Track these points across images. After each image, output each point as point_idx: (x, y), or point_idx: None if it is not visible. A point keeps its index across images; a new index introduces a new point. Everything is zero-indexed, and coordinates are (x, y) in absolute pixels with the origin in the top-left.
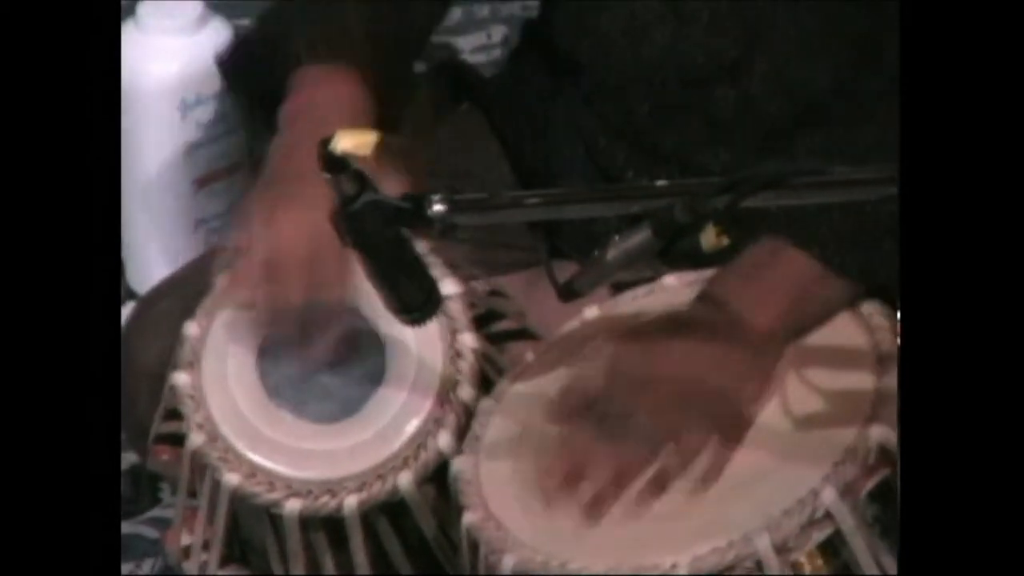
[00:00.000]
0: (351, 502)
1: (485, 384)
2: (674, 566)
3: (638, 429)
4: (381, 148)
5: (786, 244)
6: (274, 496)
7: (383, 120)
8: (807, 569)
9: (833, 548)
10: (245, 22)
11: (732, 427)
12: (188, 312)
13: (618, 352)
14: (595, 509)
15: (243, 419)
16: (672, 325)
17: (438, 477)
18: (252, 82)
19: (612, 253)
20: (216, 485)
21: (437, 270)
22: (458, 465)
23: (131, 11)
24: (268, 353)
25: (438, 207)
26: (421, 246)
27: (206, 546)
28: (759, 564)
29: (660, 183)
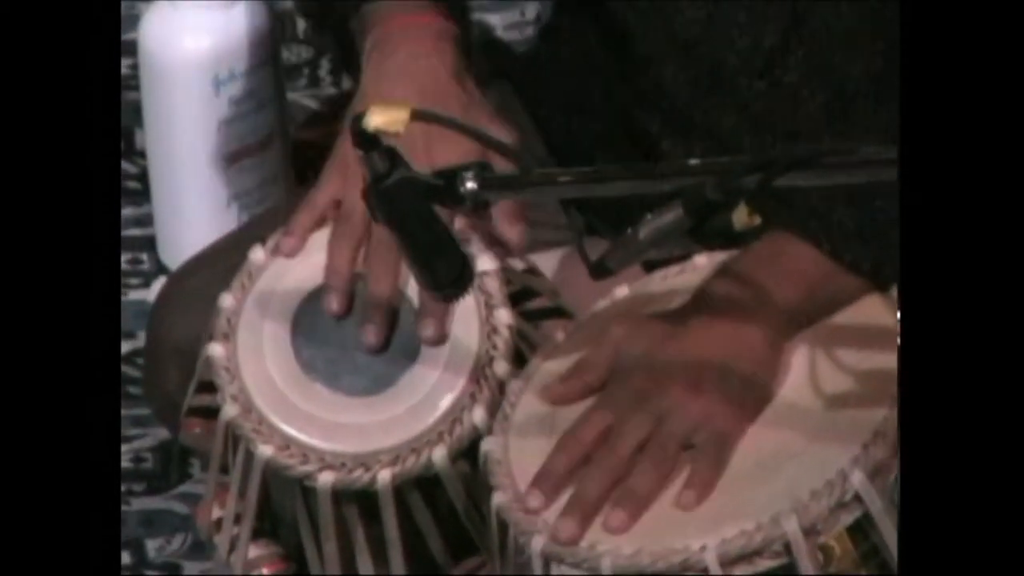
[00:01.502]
0: (384, 476)
1: (519, 360)
2: (702, 548)
3: (652, 406)
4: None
5: (795, 240)
6: (307, 468)
7: (463, 44)
8: (836, 552)
9: (862, 531)
10: None
11: (752, 404)
12: (220, 287)
13: (635, 327)
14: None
15: (277, 391)
16: (691, 302)
17: (472, 452)
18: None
19: (644, 231)
20: (249, 457)
21: (474, 246)
22: (487, 445)
23: None
24: (303, 327)
25: (470, 184)
26: (459, 222)
27: (237, 520)
28: (787, 547)
29: (692, 162)
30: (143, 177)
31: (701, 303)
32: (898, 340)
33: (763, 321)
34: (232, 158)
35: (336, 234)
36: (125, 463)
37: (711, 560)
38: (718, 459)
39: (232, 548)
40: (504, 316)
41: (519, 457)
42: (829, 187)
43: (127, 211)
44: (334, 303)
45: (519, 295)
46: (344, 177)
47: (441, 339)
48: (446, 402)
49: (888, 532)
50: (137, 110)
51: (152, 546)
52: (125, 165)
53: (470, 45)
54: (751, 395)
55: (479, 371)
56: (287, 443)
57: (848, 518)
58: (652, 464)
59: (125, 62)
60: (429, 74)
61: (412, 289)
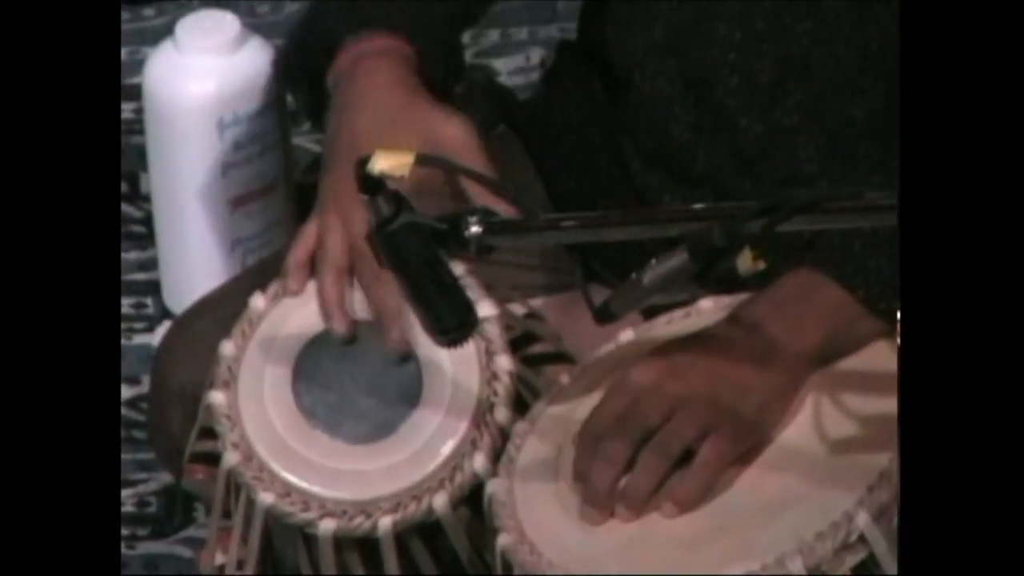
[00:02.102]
0: (386, 523)
1: (520, 406)
2: None
3: (661, 444)
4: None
5: (826, 279)
6: (308, 516)
7: (431, 75)
8: None
9: (867, 572)
10: (283, 41)
11: (751, 447)
12: (224, 332)
13: (643, 368)
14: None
15: (278, 438)
16: (699, 342)
17: (473, 499)
18: (306, 77)
19: (649, 276)
20: (251, 504)
21: (474, 292)
22: (492, 487)
23: (169, 31)
24: (303, 373)
25: (474, 228)
26: (458, 268)
27: (240, 566)
28: None
29: (697, 206)
30: (148, 221)
31: (711, 341)
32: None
33: (780, 364)
34: (236, 202)
35: (320, 269)
36: (129, 507)
37: None
38: (708, 480)
39: None
40: (505, 362)
41: (524, 499)
42: (851, 230)
43: (131, 255)
44: (338, 327)
45: (520, 340)
46: (326, 212)
47: (405, 344)
48: (447, 449)
49: (892, 572)
50: (141, 154)
51: None
52: (129, 209)
53: (436, 57)
54: (754, 434)
55: (480, 417)
56: (288, 490)
57: (853, 559)
58: (652, 459)
59: (129, 106)
60: (387, 99)
61: (414, 333)
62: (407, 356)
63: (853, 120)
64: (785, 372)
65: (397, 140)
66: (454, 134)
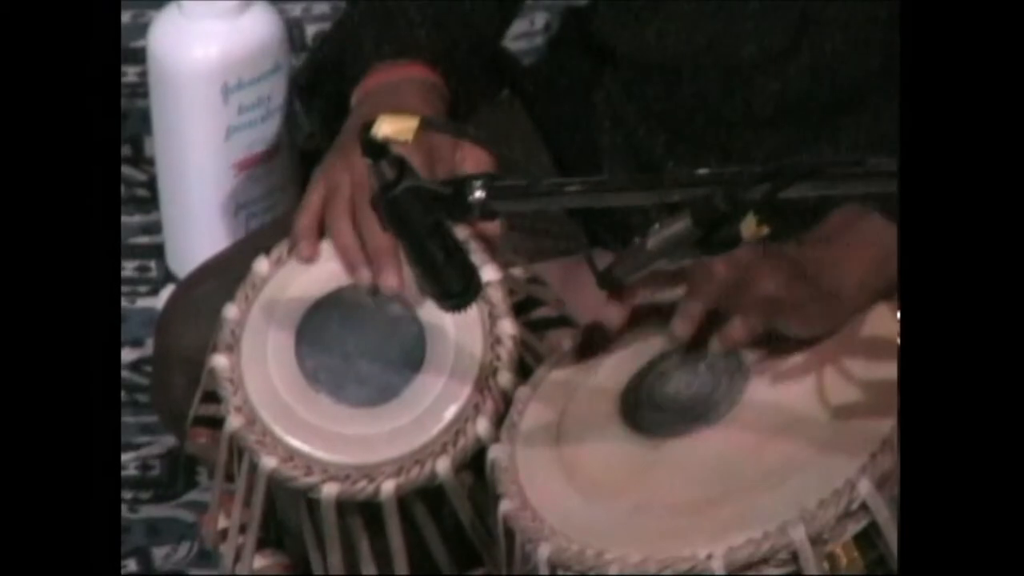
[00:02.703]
0: (388, 487)
1: (523, 370)
2: (709, 556)
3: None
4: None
5: (870, 211)
6: (311, 480)
7: (455, 106)
8: (843, 561)
9: (869, 540)
10: (287, 5)
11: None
12: (228, 296)
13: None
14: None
15: (281, 402)
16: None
17: (476, 463)
18: (326, 97)
19: (652, 241)
20: (253, 468)
21: (477, 256)
22: (495, 453)
23: None
24: (307, 337)
25: (478, 193)
26: (462, 232)
27: (243, 529)
28: (794, 555)
29: (701, 171)
30: (152, 184)
31: (786, 254)
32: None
33: (830, 289)
34: (240, 166)
35: (331, 215)
36: (132, 471)
37: (718, 568)
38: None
39: (238, 558)
40: (508, 327)
41: (526, 464)
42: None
43: (135, 218)
44: (364, 276)
45: (523, 305)
46: (331, 168)
47: (399, 285)
48: (450, 413)
49: (895, 542)
50: (146, 117)
51: (159, 554)
52: (133, 172)
53: (461, 83)
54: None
55: (483, 382)
56: (291, 455)
57: (855, 527)
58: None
59: (134, 69)
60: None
61: (417, 298)
62: (404, 309)
63: (861, 77)
64: (839, 291)
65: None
66: (473, 154)
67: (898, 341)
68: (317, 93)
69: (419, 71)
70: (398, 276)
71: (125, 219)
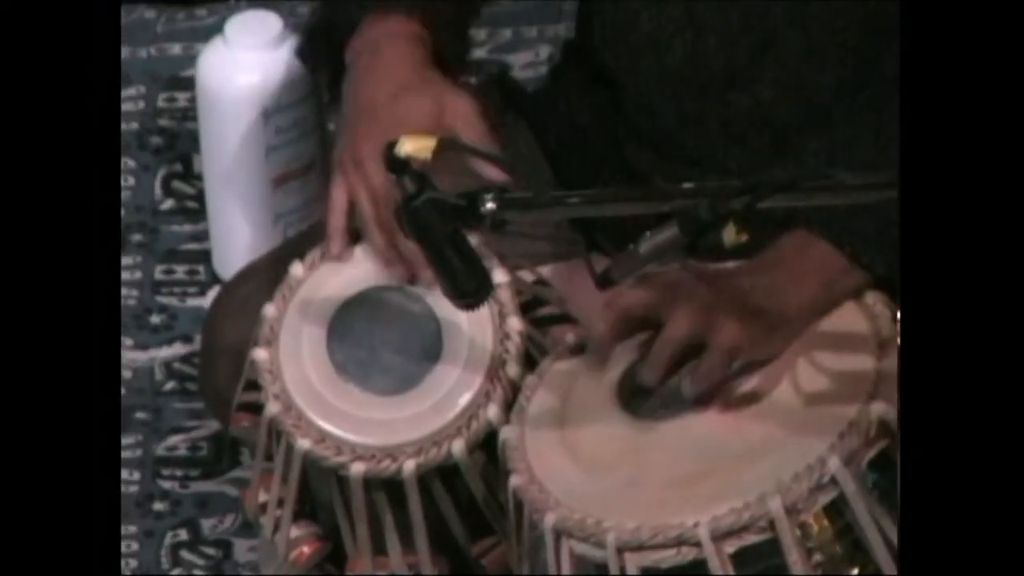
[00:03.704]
0: (409, 466)
1: (529, 362)
2: (696, 525)
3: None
4: (440, 151)
5: (818, 238)
6: (341, 460)
7: (438, 54)
8: (814, 529)
9: (837, 510)
10: None
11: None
12: (267, 296)
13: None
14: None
15: (314, 391)
16: (717, 277)
17: (487, 445)
18: (324, 56)
19: (644, 247)
20: (289, 449)
21: (488, 261)
22: (505, 434)
23: (220, 29)
24: (337, 333)
25: (489, 205)
26: (474, 239)
27: (280, 503)
28: (772, 524)
29: (686, 185)
30: (200, 197)
31: (734, 279)
32: (872, 344)
33: (784, 308)
34: (278, 181)
35: (367, 231)
36: (183, 451)
37: (703, 535)
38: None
39: (276, 528)
40: (515, 324)
41: (533, 444)
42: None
43: (185, 227)
44: (399, 272)
45: (529, 304)
46: (348, 174)
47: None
48: (464, 400)
49: (860, 512)
50: (195, 138)
51: (207, 525)
52: (184, 187)
53: (446, 36)
54: (766, 344)
55: (493, 372)
56: (323, 437)
57: (825, 498)
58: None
59: (184, 95)
60: (400, 71)
61: (432, 298)
62: (423, 307)
63: (825, 90)
64: (789, 316)
65: (408, 107)
66: (460, 104)
67: (863, 335)
68: (317, 56)
69: (402, 25)
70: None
71: (176, 228)
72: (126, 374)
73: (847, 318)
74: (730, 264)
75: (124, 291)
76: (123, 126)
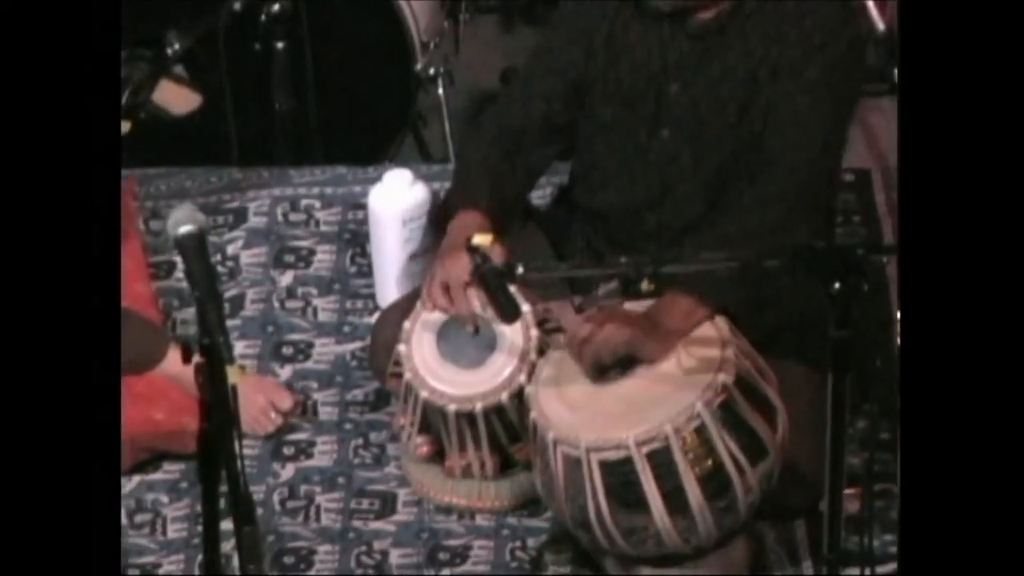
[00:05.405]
0: (479, 407)
1: (541, 352)
2: (627, 437)
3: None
4: (496, 242)
5: (682, 295)
6: (442, 403)
7: (498, 230)
8: (688, 442)
9: (701, 433)
10: (435, 185)
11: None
12: (405, 317)
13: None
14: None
15: (429, 367)
16: (626, 315)
17: (519, 396)
18: (441, 218)
19: (601, 291)
20: (416, 397)
21: (519, 298)
22: (528, 390)
23: (379, 178)
24: (441, 338)
25: (520, 271)
26: (512, 287)
27: (411, 424)
28: (666, 437)
29: (623, 260)
30: (369, 267)
31: (637, 317)
32: (719, 342)
33: (663, 330)
34: (411, 257)
35: (452, 293)
36: (363, 398)
37: (631, 443)
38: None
39: (408, 438)
40: (534, 332)
41: (542, 395)
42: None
43: (360, 281)
44: (466, 317)
45: (541, 321)
46: (438, 270)
47: (468, 310)
48: (507, 371)
49: (713, 435)
50: (367, 234)
51: (374, 436)
52: (361, 260)
53: (504, 219)
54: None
55: (524, 357)
56: (433, 391)
57: (695, 424)
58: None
59: (362, 212)
60: (461, 237)
61: (491, 318)
62: (478, 327)
63: (725, 167)
64: (665, 335)
65: (462, 255)
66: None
67: (713, 337)
68: (439, 217)
69: (476, 216)
70: (468, 308)
71: (357, 280)
72: (333, 357)
73: (704, 330)
74: (644, 302)
75: (333, 314)
76: (334, 229)
